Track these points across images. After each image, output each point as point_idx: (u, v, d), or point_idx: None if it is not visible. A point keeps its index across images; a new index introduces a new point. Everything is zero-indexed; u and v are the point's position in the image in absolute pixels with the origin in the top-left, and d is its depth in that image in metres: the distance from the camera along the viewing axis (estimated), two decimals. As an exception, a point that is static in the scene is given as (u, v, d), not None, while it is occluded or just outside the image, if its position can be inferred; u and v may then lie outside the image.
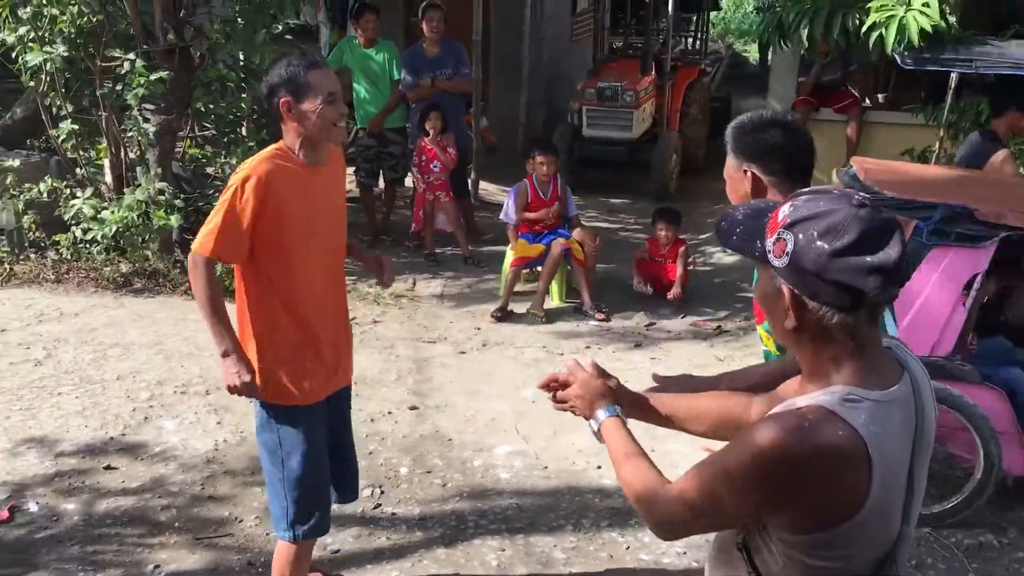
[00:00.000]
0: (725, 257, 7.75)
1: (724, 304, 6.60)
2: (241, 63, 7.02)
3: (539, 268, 6.45)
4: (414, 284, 6.83)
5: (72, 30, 6.38)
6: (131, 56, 6.31)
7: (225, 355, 2.81)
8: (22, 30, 6.36)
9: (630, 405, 1.87)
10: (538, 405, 4.92)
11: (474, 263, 7.28)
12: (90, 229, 6.32)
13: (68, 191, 6.65)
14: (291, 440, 2.89)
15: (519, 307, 6.30)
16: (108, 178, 6.95)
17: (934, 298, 3.81)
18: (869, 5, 4.84)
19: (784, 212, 1.46)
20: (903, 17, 4.53)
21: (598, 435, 1.80)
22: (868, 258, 1.39)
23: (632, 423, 1.84)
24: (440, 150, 7.19)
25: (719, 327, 6.15)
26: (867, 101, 7.96)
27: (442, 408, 4.89)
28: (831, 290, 1.41)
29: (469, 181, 8.32)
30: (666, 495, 1.56)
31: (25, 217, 6.63)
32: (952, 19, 4.77)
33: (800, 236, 1.42)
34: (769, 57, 20.18)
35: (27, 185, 6.62)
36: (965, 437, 3.75)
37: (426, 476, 4.23)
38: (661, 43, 10.43)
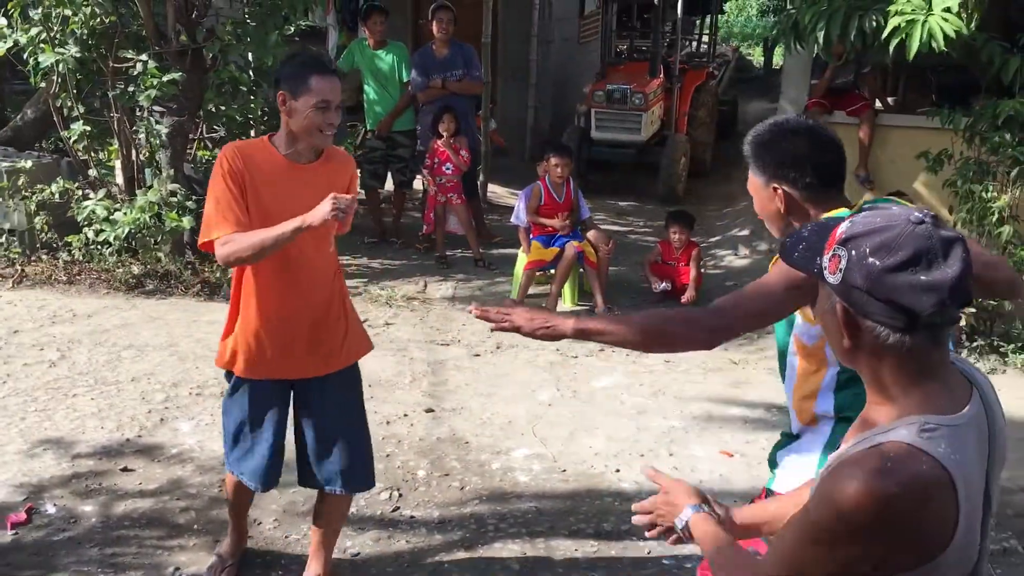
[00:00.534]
0: (736, 260, 7.75)
1: (737, 307, 6.56)
2: (252, 65, 7.02)
3: (552, 271, 6.44)
4: (425, 286, 6.82)
5: (84, 31, 6.38)
6: (143, 57, 6.31)
7: (298, 227, 2.72)
8: (34, 31, 6.36)
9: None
10: (554, 408, 4.91)
11: (485, 265, 7.27)
12: (102, 230, 6.31)
13: (79, 192, 6.64)
14: (228, 402, 3.18)
15: (531, 310, 6.28)
16: (119, 179, 6.94)
17: None
18: (889, 8, 4.81)
19: (842, 228, 1.43)
20: (925, 22, 4.50)
21: (685, 531, 1.80)
22: (922, 276, 1.33)
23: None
24: (453, 152, 7.18)
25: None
26: (877, 104, 7.95)
27: (458, 411, 4.87)
28: (884, 309, 1.36)
29: (479, 184, 8.31)
30: (761, 574, 1.53)
31: (37, 218, 6.62)
32: (972, 24, 4.74)
33: (853, 252, 1.38)
34: (774, 60, 20.32)
35: (39, 186, 6.61)
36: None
37: (444, 479, 4.21)
38: (667, 46, 10.44)
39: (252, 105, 7.16)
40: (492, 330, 2.22)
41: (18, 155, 7.03)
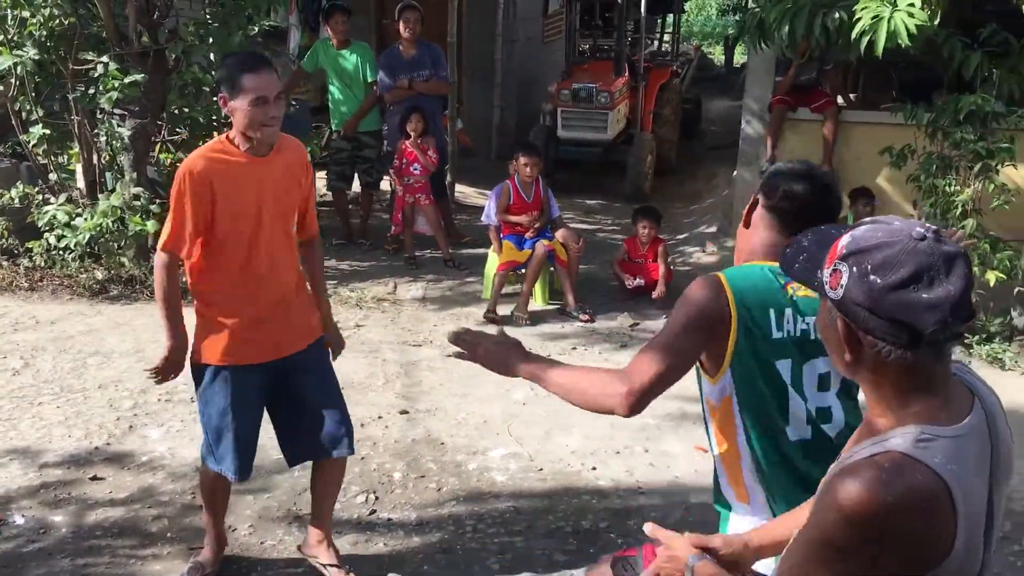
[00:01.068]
0: (704, 257, 7.80)
1: (706, 303, 6.60)
2: (216, 66, 6.92)
3: (523, 271, 6.43)
4: (395, 288, 6.77)
5: (43, 33, 6.26)
6: (104, 59, 6.20)
7: (168, 353, 3.17)
8: (-10, 33, 6.23)
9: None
10: (529, 407, 4.90)
11: (454, 265, 7.24)
12: (64, 236, 6.18)
13: (40, 197, 6.51)
14: (209, 391, 3.20)
15: (503, 309, 6.27)
16: (81, 184, 6.82)
17: None
18: (855, 7, 4.86)
19: (843, 243, 1.41)
20: (891, 17, 4.55)
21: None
22: (924, 295, 1.32)
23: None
24: (421, 153, 7.14)
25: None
26: (840, 100, 8.04)
27: (432, 412, 4.84)
28: (886, 326, 1.35)
29: (447, 184, 8.28)
30: None
31: (-4, 224, 6.49)
32: (936, 20, 4.79)
33: (855, 269, 1.37)
34: (735, 58, 20.48)
35: (-3, 191, 6.48)
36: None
37: (420, 480, 4.19)
38: (630, 44, 10.48)
39: (215, 106, 7.06)
40: (455, 356, 2.27)
41: (-25, 160, 6.89)
